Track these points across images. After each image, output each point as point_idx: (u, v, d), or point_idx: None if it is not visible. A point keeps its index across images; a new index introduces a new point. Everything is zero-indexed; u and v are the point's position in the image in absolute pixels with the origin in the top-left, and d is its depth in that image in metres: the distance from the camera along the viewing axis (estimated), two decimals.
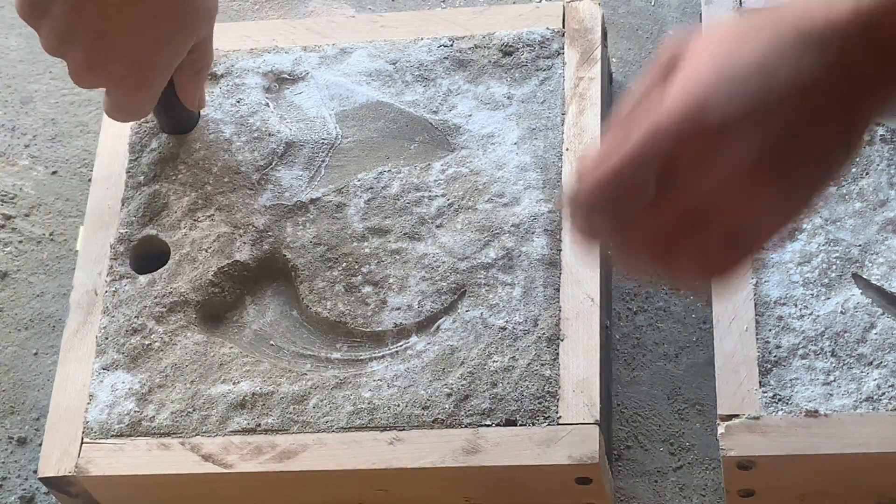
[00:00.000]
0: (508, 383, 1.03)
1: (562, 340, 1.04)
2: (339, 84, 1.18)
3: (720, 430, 0.98)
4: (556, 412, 1.01)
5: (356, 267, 1.09)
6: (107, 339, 1.09)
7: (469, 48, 1.18)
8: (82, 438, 1.06)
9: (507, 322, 1.05)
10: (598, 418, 1.00)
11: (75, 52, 1.01)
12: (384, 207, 1.12)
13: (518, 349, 1.04)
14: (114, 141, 1.18)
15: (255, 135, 1.17)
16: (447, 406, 1.03)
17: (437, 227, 1.10)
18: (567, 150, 1.12)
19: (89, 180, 1.21)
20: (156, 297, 1.10)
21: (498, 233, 1.09)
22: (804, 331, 1.01)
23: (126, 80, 1.04)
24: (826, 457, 0.96)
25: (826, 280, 1.02)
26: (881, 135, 1.07)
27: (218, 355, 1.08)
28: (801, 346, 1.00)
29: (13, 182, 1.31)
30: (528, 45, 1.17)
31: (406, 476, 1.02)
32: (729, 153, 0.69)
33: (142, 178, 1.16)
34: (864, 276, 1.02)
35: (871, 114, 0.70)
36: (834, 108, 0.69)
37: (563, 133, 1.13)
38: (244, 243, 1.12)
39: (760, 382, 0.99)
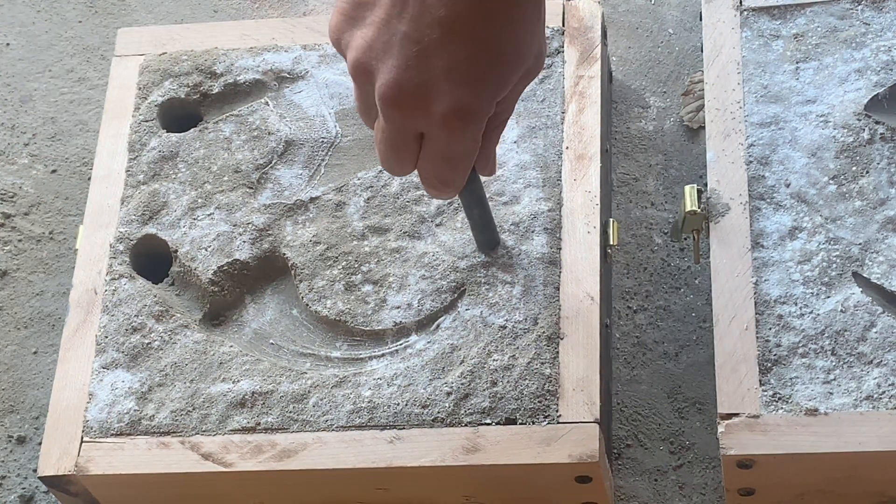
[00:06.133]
0: (508, 382, 1.03)
1: (562, 339, 1.04)
2: (338, 83, 1.18)
3: (720, 428, 0.98)
4: (556, 411, 1.01)
5: (356, 265, 1.09)
6: (106, 337, 1.09)
7: None
8: (82, 437, 1.06)
9: (506, 321, 1.05)
10: (598, 417, 1.00)
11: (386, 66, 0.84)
12: (384, 206, 1.12)
13: (518, 348, 1.04)
14: (113, 140, 1.18)
15: (255, 133, 1.17)
16: (447, 405, 1.02)
17: (437, 225, 1.10)
18: (567, 148, 1.12)
19: (89, 179, 1.21)
20: (155, 296, 1.10)
21: (498, 231, 1.09)
22: (804, 329, 1.01)
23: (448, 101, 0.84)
24: (826, 455, 0.96)
25: (826, 279, 1.02)
26: (881, 133, 1.07)
27: (218, 354, 1.08)
28: (801, 344, 1.00)
29: (13, 181, 1.31)
30: None
31: (406, 475, 1.02)
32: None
33: (141, 176, 1.16)
34: (865, 275, 1.02)
35: None
36: None
37: (562, 131, 1.13)
38: (244, 242, 1.12)
39: (760, 381, 0.99)
